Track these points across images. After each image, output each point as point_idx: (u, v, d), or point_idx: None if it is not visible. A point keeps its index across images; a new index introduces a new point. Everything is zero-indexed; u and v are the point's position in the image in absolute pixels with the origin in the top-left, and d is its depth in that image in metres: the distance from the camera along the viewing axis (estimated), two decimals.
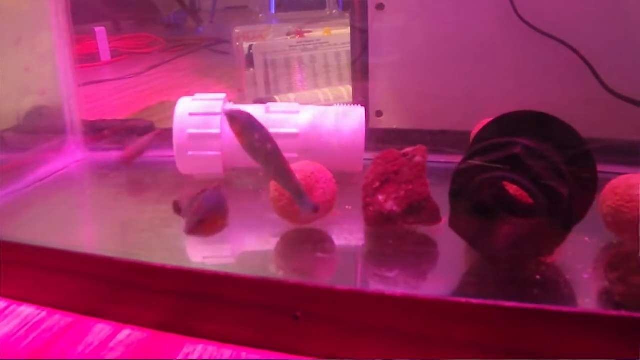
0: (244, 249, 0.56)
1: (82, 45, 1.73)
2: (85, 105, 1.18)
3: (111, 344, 0.46)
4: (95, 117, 1.07)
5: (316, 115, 0.64)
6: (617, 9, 0.71)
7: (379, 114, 0.85)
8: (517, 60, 0.76)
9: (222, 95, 0.65)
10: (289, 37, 0.99)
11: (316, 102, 0.91)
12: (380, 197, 0.52)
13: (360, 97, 0.85)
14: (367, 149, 0.65)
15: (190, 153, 0.63)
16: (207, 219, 0.47)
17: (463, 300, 0.37)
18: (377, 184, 0.53)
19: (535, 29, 0.73)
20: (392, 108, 0.85)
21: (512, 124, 0.52)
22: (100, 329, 0.48)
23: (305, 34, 1.00)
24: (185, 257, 0.53)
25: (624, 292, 0.42)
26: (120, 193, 0.68)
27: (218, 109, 0.63)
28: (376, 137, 0.83)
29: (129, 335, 0.47)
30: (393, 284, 0.48)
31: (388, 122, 0.85)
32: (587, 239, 0.52)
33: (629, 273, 0.43)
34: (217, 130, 0.63)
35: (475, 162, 0.45)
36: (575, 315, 0.36)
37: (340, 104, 0.68)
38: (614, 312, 0.35)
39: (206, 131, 0.63)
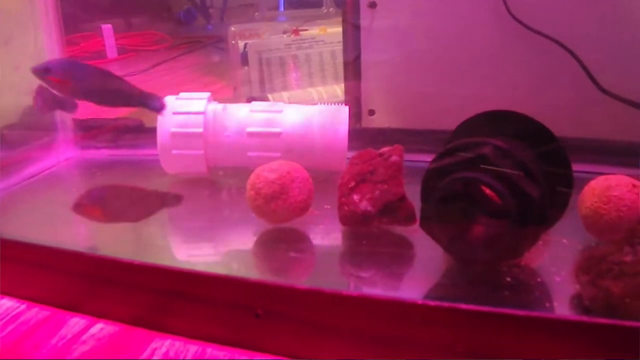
0: (221, 247, 0.57)
1: (89, 42, 1.75)
2: (86, 102, 1.19)
3: (83, 337, 0.47)
4: (95, 114, 1.08)
5: (299, 115, 0.64)
6: (611, 8, 0.70)
7: (371, 112, 0.85)
8: (510, 59, 0.75)
9: (206, 94, 0.66)
10: (284, 36, 0.99)
11: (310, 101, 0.91)
12: (355, 197, 0.52)
13: (353, 95, 0.85)
14: (357, 148, 0.65)
15: (173, 152, 0.64)
16: (85, 204, 0.51)
17: (419, 301, 0.37)
18: (353, 183, 0.53)
19: (528, 27, 0.72)
20: (385, 107, 0.85)
21: (486, 124, 0.52)
22: (75, 323, 0.49)
23: (301, 33, 1.00)
24: (162, 254, 0.54)
25: (593, 296, 0.41)
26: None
27: (201, 108, 0.64)
28: (366, 136, 0.83)
29: (101, 329, 0.48)
30: (365, 284, 0.48)
31: (380, 121, 0.85)
32: (565, 240, 0.52)
33: (599, 276, 0.42)
34: (199, 129, 0.63)
35: (443, 162, 0.44)
36: (532, 319, 0.35)
37: (333, 103, 0.68)
38: (572, 317, 0.35)
39: (189, 130, 0.63)
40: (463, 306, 0.36)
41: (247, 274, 0.48)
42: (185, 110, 0.64)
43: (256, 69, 0.95)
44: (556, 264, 0.48)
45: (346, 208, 0.52)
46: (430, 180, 0.45)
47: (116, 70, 1.59)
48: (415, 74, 0.81)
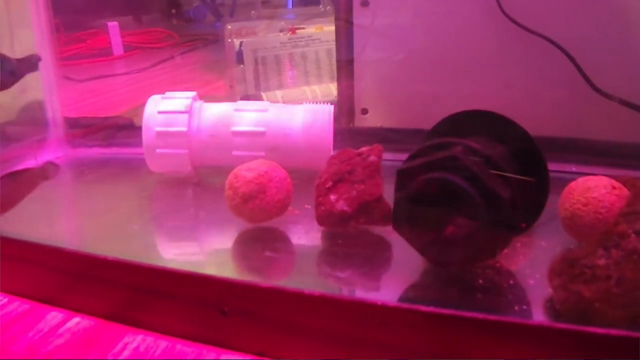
0: (200, 246, 0.57)
1: (95, 39, 1.77)
2: (87, 99, 1.21)
3: (59, 331, 0.48)
4: (95, 111, 1.10)
5: (284, 114, 0.64)
6: (604, 6, 0.69)
7: (364, 111, 0.85)
8: (503, 58, 0.75)
9: (192, 94, 0.66)
10: (281, 34, 0.99)
11: (304, 99, 0.91)
12: (332, 197, 0.52)
13: (346, 94, 0.85)
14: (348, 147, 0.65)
15: (158, 151, 0.64)
16: None
17: (379, 302, 0.37)
18: (330, 183, 0.53)
19: (520, 26, 0.71)
20: (378, 106, 0.84)
21: (462, 124, 0.51)
22: (53, 317, 0.50)
23: (298, 31, 1.00)
24: (139, 251, 0.54)
25: (564, 300, 0.41)
26: (92, 189, 0.70)
27: (186, 107, 0.64)
28: (357, 135, 0.83)
29: (77, 324, 0.49)
30: (341, 284, 0.48)
31: (373, 120, 0.85)
32: (544, 242, 0.52)
33: (572, 280, 0.42)
34: (183, 128, 0.63)
35: (414, 163, 0.44)
36: (490, 322, 0.35)
37: (321, 102, 0.67)
38: (529, 321, 0.35)
39: (173, 129, 0.63)
40: (422, 308, 0.36)
41: (220, 272, 0.48)
42: (170, 109, 0.64)
43: (251, 68, 0.95)
44: (532, 267, 0.48)
45: (323, 208, 0.52)
46: (401, 181, 0.45)
47: (121, 67, 1.60)
48: (408, 73, 0.80)
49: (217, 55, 1.69)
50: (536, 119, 0.72)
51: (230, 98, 0.98)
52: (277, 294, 0.40)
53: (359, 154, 0.54)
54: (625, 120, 0.69)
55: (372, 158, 0.53)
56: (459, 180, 0.42)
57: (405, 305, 0.36)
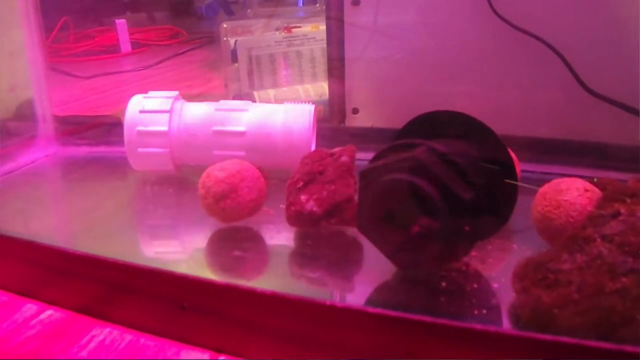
0: (174, 244, 0.57)
1: (104, 36, 1.79)
2: (89, 97, 1.22)
3: (32, 322, 0.49)
4: (95, 109, 1.11)
5: (264, 113, 0.65)
6: (596, 6, 0.68)
7: (355, 111, 0.85)
8: (494, 58, 0.74)
9: (174, 93, 0.66)
10: (276, 33, 0.99)
11: (296, 98, 0.91)
12: (303, 197, 0.52)
13: (337, 93, 0.85)
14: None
15: (139, 150, 0.65)
16: None
17: (327, 302, 0.37)
18: (301, 183, 0.53)
19: (511, 25, 0.71)
20: (369, 105, 0.84)
21: (431, 125, 0.51)
22: (28, 308, 0.51)
23: (294, 30, 0.99)
24: (115, 248, 0.55)
25: (524, 304, 0.41)
26: (76, 187, 0.70)
27: (167, 107, 0.64)
28: (347, 134, 0.83)
29: (49, 316, 0.50)
30: (306, 284, 0.48)
31: (364, 119, 0.85)
32: (515, 245, 0.51)
33: (534, 284, 0.41)
34: (164, 128, 0.64)
35: (376, 164, 0.44)
36: (437, 326, 0.35)
37: (308, 102, 0.67)
38: (477, 326, 0.35)
39: (154, 128, 0.64)
40: (370, 309, 0.36)
41: (189, 270, 0.49)
42: (151, 108, 0.64)
43: (245, 66, 0.96)
44: (499, 270, 0.48)
45: (293, 208, 0.52)
46: (364, 182, 0.45)
47: (128, 64, 1.62)
48: (399, 72, 0.80)
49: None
50: (526, 120, 0.72)
51: (225, 97, 0.98)
52: (232, 292, 0.40)
53: (331, 155, 0.54)
54: (617, 121, 0.68)
55: (344, 159, 0.53)
56: (419, 182, 0.42)
57: (353, 307, 0.36)
